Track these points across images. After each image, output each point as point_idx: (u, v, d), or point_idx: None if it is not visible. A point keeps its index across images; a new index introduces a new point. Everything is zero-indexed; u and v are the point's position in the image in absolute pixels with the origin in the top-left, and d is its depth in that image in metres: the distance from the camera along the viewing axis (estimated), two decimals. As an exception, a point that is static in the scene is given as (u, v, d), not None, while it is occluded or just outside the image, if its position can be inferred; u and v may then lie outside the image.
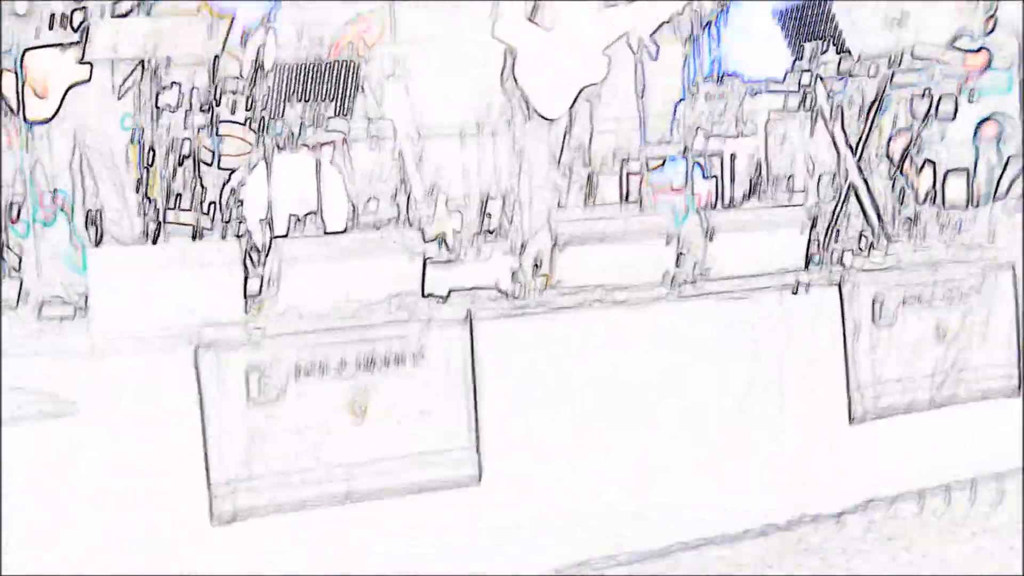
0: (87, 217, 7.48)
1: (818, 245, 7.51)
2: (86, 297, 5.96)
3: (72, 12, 7.18)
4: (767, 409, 6.84)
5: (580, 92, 7.18)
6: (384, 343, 6.11)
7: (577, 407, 6.41)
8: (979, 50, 8.51)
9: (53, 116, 7.38)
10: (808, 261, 7.01)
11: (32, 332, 5.99)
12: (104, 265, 5.88)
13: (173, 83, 7.88)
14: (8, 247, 7.45)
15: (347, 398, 6.05)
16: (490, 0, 7.18)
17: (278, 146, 8.62)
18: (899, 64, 7.73)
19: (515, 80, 7.15)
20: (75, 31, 6.94)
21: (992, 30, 8.75)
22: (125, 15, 7.48)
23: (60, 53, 7.36)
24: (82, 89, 7.56)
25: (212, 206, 7.82)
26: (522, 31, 7.14)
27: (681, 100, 9.05)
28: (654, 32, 7.25)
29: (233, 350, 5.86)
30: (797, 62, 7.86)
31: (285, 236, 6.85)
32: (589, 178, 7.44)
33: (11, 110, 6.97)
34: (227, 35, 7.15)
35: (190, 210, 7.74)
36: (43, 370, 5.63)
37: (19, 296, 6.62)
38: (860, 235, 7.89)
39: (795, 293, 6.71)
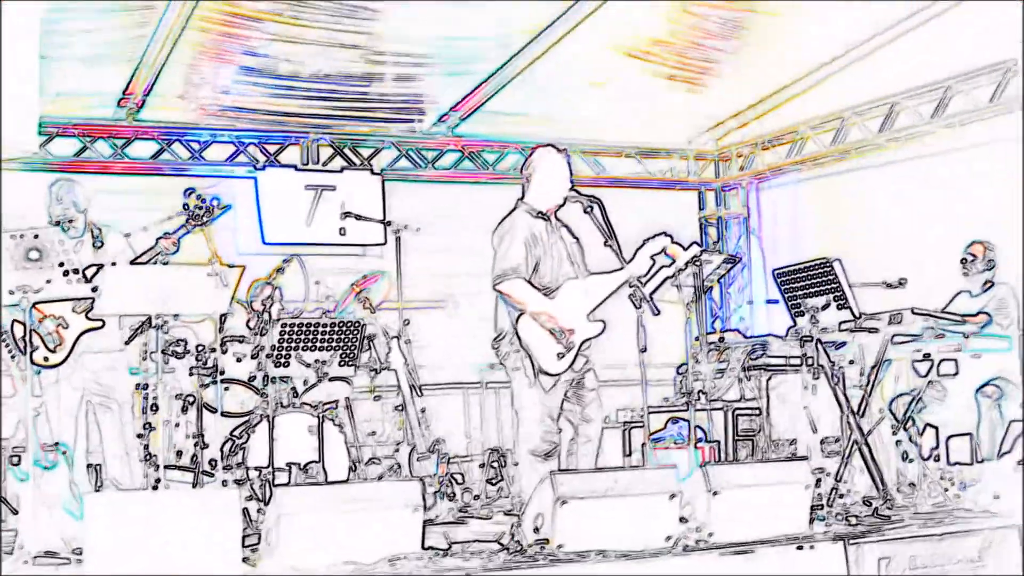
0: (88, 465, 7.49)
1: (823, 503, 7.47)
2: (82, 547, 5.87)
3: (86, 268, 7.31)
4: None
5: (580, 347, 7.25)
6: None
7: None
8: (977, 314, 8.63)
9: (63, 362, 7.45)
10: (812, 519, 6.96)
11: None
12: (102, 511, 5.81)
13: (179, 340, 7.98)
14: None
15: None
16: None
17: (281, 403, 8.68)
18: (899, 322, 7.81)
19: (518, 336, 7.23)
20: (88, 282, 7.05)
21: (990, 287, 8.89)
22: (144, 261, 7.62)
23: (72, 307, 7.47)
24: (89, 339, 7.65)
25: (212, 462, 7.83)
26: (526, 290, 7.25)
27: (683, 364, 9.16)
28: (655, 291, 7.35)
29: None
30: (798, 318, 7.95)
31: (287, 484, 6.84)
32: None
33: (18, 353, 7.04)
34: (236, 288, 7.26)
35: (192, 460, 7.73)
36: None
37: (15, 543, 6.56)
38: (863, 500, 7.85)
39: (800, 548, 6.63)
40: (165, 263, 7.55)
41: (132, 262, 7.63)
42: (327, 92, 10.45)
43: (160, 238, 7.66)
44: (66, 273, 7.00)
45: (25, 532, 6.64)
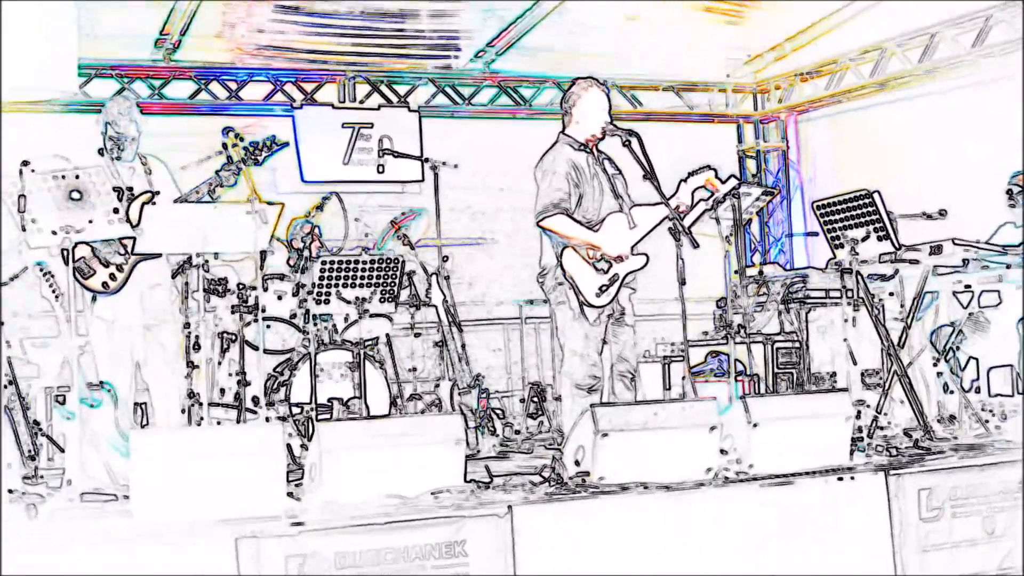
0: (135, 404, 7.54)
1: (863, 435, 7.48)
2: (128, 483, 5.93)
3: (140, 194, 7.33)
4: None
5: (623, 279, 7.25)
6: (426, 536, 6.04)
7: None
8: (1020, 244, 8.57)
9: (120, 288, 7.48)
10: (853, 451, 6.96)
11: (74, 516, 6.01)
12: (148, 448, 5.87)
13: (220, 279, 8.02)
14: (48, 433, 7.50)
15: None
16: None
17: (322, 341, 8.73)
18: (940, 253, 7.77)
19: (563, 269, 7.24)
20: (128, 221, 7.08)
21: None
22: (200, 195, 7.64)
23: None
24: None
25: (255, 399, 7.88)
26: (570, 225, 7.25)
27: (723, 298, 9.15)
28: (693, 223, 7.34)
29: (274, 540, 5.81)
30: (838, 251, 7.92)
31: (329, 420, 6.87)
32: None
33: (62, 293, 7.09)
34: (275, 226, 7.28)
35: (235, 398, 7.80)
36: (83, 555, 5.59)
37: (62, 479, 6.65)
38: (904, 431, 7.84)
39: (840, 479, 6.64)
40: (218, 198, 7.55)
41: (181, 197, 7.63)
42: (363, 29, 10.44)
43: (219, 170, 7.63)
44: (120, 198, 7.02)
45: (72, 470, 6.73)
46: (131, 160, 7.58)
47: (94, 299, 7.37)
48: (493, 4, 10.12)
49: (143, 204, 7.21)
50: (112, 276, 7.35)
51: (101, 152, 7.53)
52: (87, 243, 7.16)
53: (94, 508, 6.25)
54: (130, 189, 7.34)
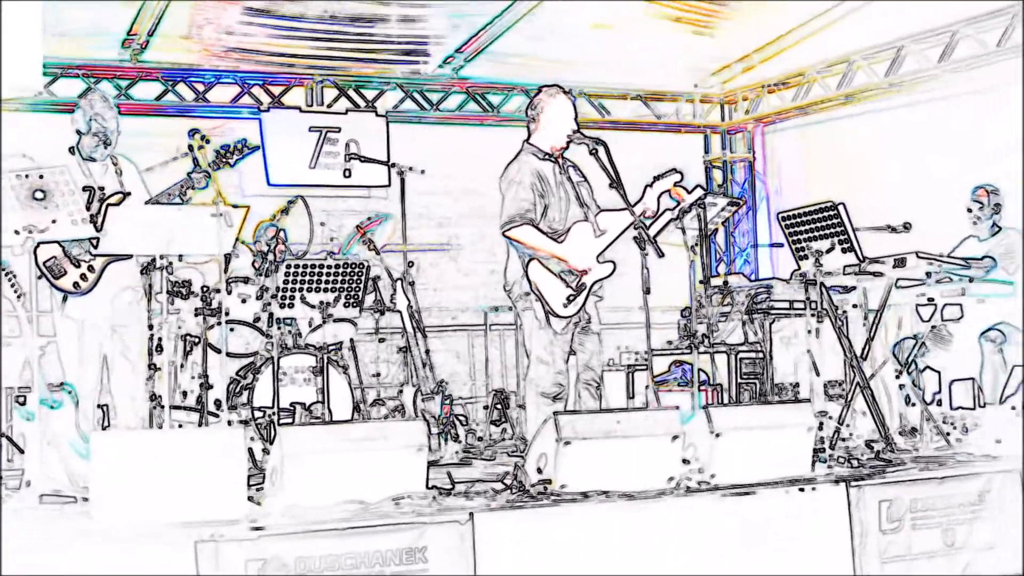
0: (98, 405, 7.49)
1: (825, 446, 7.49)
2: (88, 485, 5.89)
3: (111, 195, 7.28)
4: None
5: (591, 287, 7.26)
6: (386, 542, 6.02)
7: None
8: (983, 258, 8.62)
9: (91, 289, 7.44)
10: (814, 461, 6.98)
11: (34, 517, 5.97)
12: (108, 450, 5.83)
13: (184, 281, 7.98)
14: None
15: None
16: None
17: (285, 345, 8.70)
18: (903, 266, 7.80)
19: (529, 280, 7.24)
20: (93, 222, 7.03)
21: (998, 231, 8.91)
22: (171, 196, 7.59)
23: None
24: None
25: (217, 402, 7.85)
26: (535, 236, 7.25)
27: (687, 307, 9.15)
28: (659, 233, 7.35)
29: (234, 544, 5.78)
30: (803, 262, 7.94)
31: (291, 424, 6.84)
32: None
33: (24, 293, 7.04)
34: (240, 228, 7.25)
35: (197, 401, 7.76)
36: (42, 558, 5.55)
37: (21, 481, 6.59)
38: (866, 443, 7.86)
39: (802, 490, 6.66)
40: (188, 200, 7.51)
41: (153, 199, 7.59)
42: (332, 33, 10.41)
43: (191, 173, 7.60)
44: (92, 198, 6.99)
45: (31, 471, 6.67)
46: (104, 159, 7.55)
47: (65, 299, 7.34)
48: (463, 8, 10.11)
49: (110, 205, 7.18)
50: (83, 276, 7.32)
51: (72, 151, 7.49)
52: (59, 243, 7.13)
53: (53, 510, 6.21)
54: (101, 189, 7.31)
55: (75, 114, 7.55)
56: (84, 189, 7.07)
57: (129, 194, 7.45)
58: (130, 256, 7.35)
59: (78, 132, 7.51)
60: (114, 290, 7.46)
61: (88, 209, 7.01)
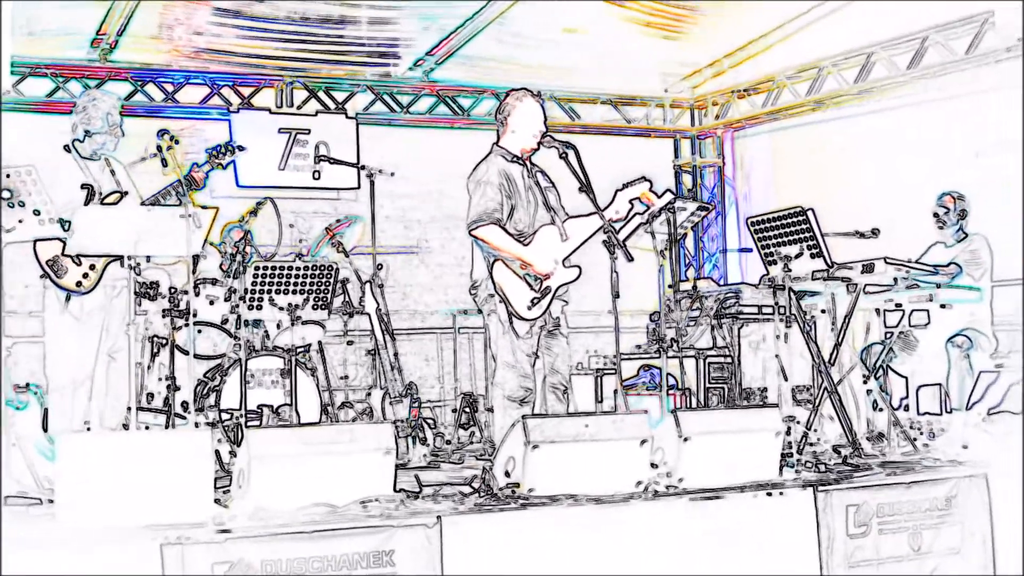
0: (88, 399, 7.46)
1: (793, 450, 7.51)
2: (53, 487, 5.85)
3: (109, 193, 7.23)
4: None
5: (556, 291, 7.26)
6: (354, 545, 6.00)
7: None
8: (948, 264, 8.67)
9: (93, 288, 7.43)
10: (782, 466, 7.00)
11: (-3, 519, 5.93)
12: (75, 451, 5.79)
13: (152, 282, 7.94)
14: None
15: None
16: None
17: (253, 347, 8.66)
18: (871, 271, 7.82)
19: (494, 282, 7.23)
20: (59, 223, 7.00)
21: (964, 237, 8.95)
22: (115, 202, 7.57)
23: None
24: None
25: (184, 404, 7.81)
26: (501, 236, 7.24)
27: (656, 312, 9.18)
28: (628, 237, 7.35)
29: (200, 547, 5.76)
30: (771, 267, 7.96)
31: (259, 426, 6.82)
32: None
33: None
34: (209, 230, 7.22)
35: (165, 403, 7.72)
36: (6, 559, 5.51)
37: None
38: (833, 448, 7.89)
39: (769, 495, 6.67)
40: (182, 199, 7.48)
41: (151, 199, 7.57)
42: (302, 35, 10.39)
43: (187, 174, 7.58)
44: (90, 197, 7.00)
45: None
46: (99, 159, 7.54)
47: (68, 298, 7.34)
48: (433, 11, 10.11)
49: (108, 204, 7.20)
50: (85, 275, 7.32)
51: (67, 149, 7.48)
52: (61, 241, 7.12)
53: (18, 511, 6.16)
54: (90, 187, 7.31)
55: (80, 114, 7.55)
56: (82, 187, 7.08)
57: (127, 193, 7.46)
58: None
59: (87, 132, 7.52)
60: (109, 290, 7.47)
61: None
